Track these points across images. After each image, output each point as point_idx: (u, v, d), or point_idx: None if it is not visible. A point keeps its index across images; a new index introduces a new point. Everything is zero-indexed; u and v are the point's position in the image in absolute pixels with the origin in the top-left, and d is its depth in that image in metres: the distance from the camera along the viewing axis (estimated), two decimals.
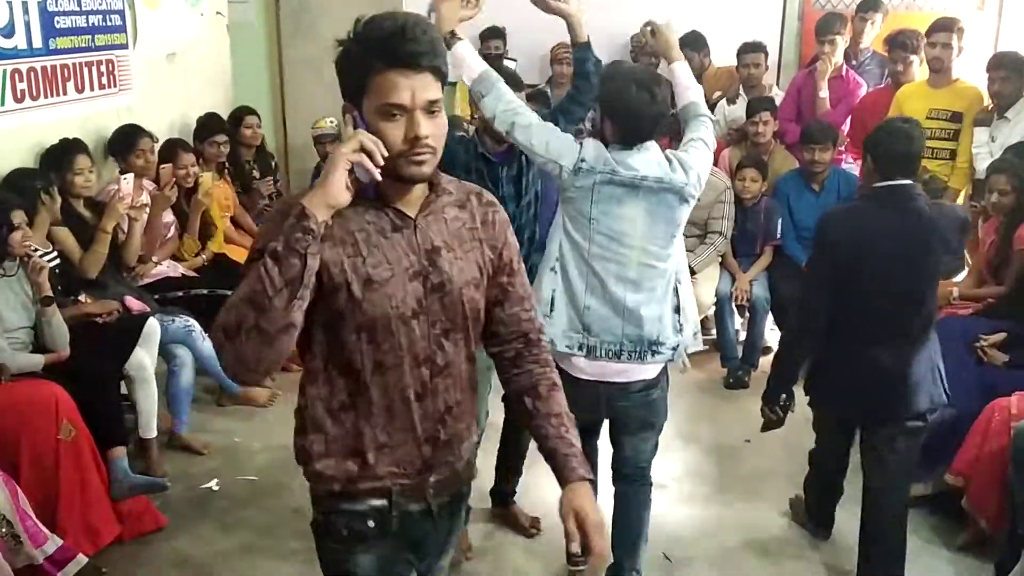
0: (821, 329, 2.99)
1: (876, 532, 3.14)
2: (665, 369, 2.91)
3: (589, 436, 2.93)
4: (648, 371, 2.82)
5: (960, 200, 4.79)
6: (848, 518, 3.62)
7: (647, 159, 2.70)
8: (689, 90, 3.00)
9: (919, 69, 5.04)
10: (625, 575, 3.00)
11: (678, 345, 2.81)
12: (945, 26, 4.72)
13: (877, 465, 3.10)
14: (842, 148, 5.29)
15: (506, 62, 5.39)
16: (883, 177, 2.97)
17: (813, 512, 3.54)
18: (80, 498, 3.20)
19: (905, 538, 3.13)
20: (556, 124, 2.90)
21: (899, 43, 5.03)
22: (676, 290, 2.81)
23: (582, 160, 2.68)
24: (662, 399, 2.91)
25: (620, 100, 2.68)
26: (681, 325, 2.81)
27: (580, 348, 2.76)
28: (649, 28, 3.18)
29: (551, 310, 2.75)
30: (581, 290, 2.74)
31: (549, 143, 2.72)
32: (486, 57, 5.79)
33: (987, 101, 4.62)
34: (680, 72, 3.01)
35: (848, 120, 5.28)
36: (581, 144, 2.73)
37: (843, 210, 3.33)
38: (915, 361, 2.98)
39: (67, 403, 3.21)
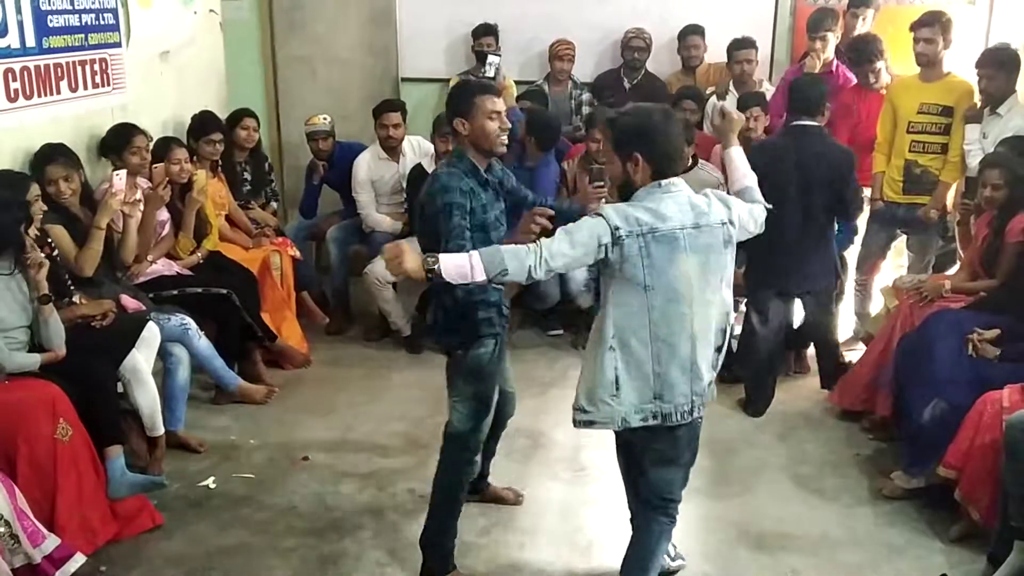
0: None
1: (821, 341, 4.62)
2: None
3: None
4: None
5: (952, 195, 4.81)
6: (840, 517, 3.65)
7: (679, 203, 2.62)
8: (746, 176, 3.03)
9: (887, 71, 5.14)
10: None
11: (712, 381, 2.76)
12: (928, 21, 4.71)
13: (810, 307, 4.57)
14: None
15: (490, 57, 5.44)
16: (794, 118, 4.24)
17: (753, 395, 4.52)
18: (77, 498, 3.21)
19: (835, 331, 4.74)
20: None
21: (856, 58, 5.13)
22: (724, 331, 2.74)
23: (616, 228, 2.56)
24: (687, 436, 2.80)
25: (656, 132, 2.63)
26: (718, 362, 2.76)
27: (655, 418, 2.67)
28: (720, 110, 3.26)
29: (617, 389, 2.64)
30: (647, 359, 2.63)
31: (582, 250, 2.56)
32: (478, 55, 5.85)
33: (978, 96, 4.64)
34: (736, 157, 3.07)
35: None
36: (602, 216, 2.59)
37: (766, 141, 4.48)
38: (817, 254, 4.34)
39: (64, 403, 3.22)
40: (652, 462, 2.81)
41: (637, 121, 2.67)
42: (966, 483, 3.34)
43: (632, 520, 2.96)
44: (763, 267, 4.36)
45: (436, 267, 2.51)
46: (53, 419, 3.17)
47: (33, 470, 3.13)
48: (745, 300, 4.58)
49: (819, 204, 4.23)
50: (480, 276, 2.51)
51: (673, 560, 3.25)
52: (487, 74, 5.52)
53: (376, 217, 5.44)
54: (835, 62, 5.34)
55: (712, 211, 2.64)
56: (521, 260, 2.52)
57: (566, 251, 2.54)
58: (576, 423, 2.73)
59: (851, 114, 5.10)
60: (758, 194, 2.99)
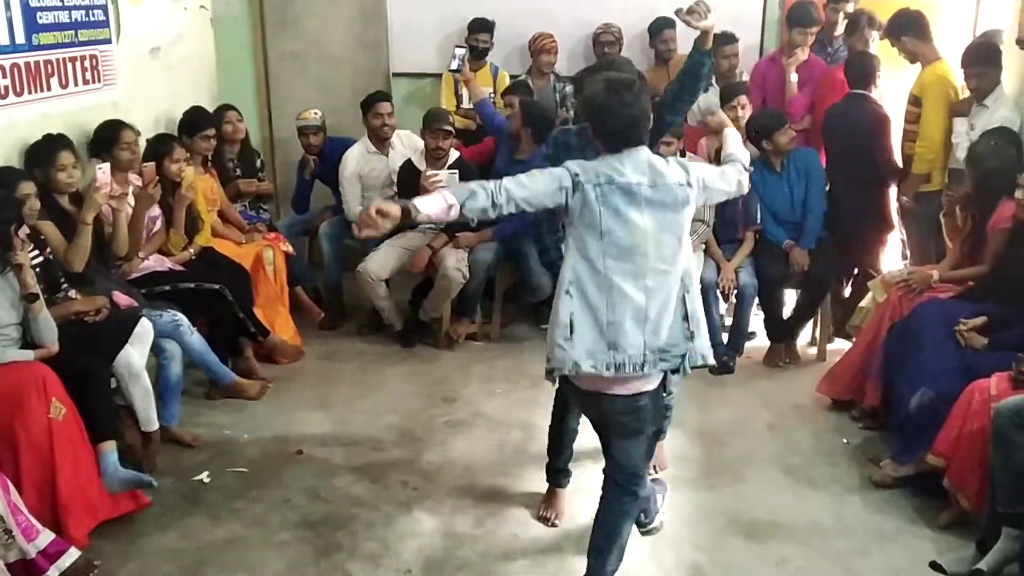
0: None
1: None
2: (666, 376, 2.91)
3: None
4: (650, 384, 2.84)
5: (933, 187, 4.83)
6: (830, 505, 3.68)
7: (636, 163, 2.73)
8: (734, 150, 3.13)
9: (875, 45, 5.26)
10: None
11: (686, 353, 2.81)
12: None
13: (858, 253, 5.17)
14: (807, 127, 5.39)
15: (456, 49, 5.53)
16: (852, 87, 4.98)
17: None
18: (75, 475, 3.24)
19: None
20: (661, 117, 3.15)
21: (850, 28, 5.37)
22: (684, 298, 2.81)
23: (575, 175, 2.70)
24: (650, 406, 2.88)
25: (596, 104, 2.75)
26: (692, 332, 2.82)
27: (607, 368, 2.75)
28: (707, 111, 3.50)
29: (571, 333, 2.75)
30: (602, 307, 2.73)
31: (542, 186, 2.71)
32: (472, 50, 5.85)
33: (955, 83, 4.69)
34: (729, 135, 3.23)
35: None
36: (563, 166, 2.74)
37: (832, 107, 5.13)
38: (872, 201, 5.06)
39: (54, 382, 3.24)
40: (618, 435, 2.91)
41: (586, 97, 2.83)
42: (955, 471, 3.37)
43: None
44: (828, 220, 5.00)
45: (413, 211, 2.62)
46: (45, 399, 3.19)
47: (32, 452, 3.16)
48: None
49: (859, 163, 4.90)
50: (453, 201, 2.64)
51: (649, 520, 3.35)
52: (451, 67, 5.58)
53: (357, 210, 5.45)
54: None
55: (669, 172, 2.76)
56: (485, 188, 2.67)
57: (525, 182, 2.70)
58: (545, 374, 2.88)
59: (841, 91, 5.18)
60: (741, 158, 3.09)
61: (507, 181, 2.68)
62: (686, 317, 2.81)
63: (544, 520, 3.51)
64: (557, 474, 3.58)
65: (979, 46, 4.65)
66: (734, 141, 3.21)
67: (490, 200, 2.66)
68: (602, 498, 3.00)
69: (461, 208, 2.64)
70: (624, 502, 2.97)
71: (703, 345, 2.86)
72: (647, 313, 2.74)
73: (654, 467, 3.48)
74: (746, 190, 3.06)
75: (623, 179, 2.70)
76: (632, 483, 2.96)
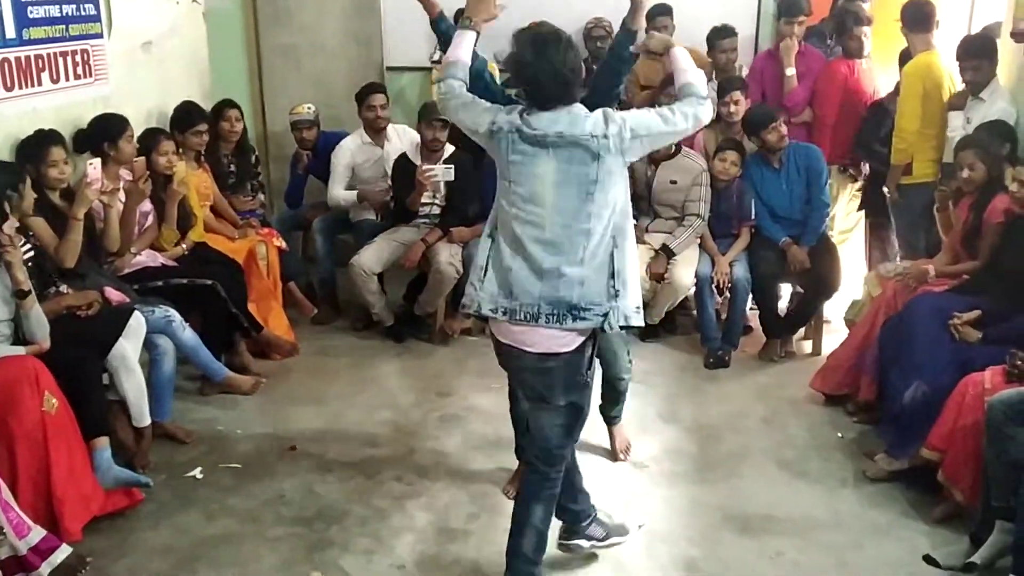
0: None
1: None
2: (586, 345, 2.81)
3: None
4: (566, 344, 2.75)
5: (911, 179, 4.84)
6: (824, 499, 3.68)
7: (556, 116, 2.70)
8: (686, 72, 2.92)
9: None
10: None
11: (608, 312, 2.73)
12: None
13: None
14: (807, 120, 5.38)
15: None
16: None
17: None
18: (69, 468, 3.24)
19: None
20: (590, 102, 2.99)
21: (839, 29, 5.37)
22: (612, 255, 2.74)
23: (493, 123, 2.77)
24: (562, 372, 2.79)
25: (523, 64, 2.71)
26: (617, 291, 2.74)
27: (504, 313, 2.75)
28: (649, 35, 3.25)
29: (484, 275, 2.80)
30: (508, 253, 2.76)
31: (471, 115, 2.84)
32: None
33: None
34: (678, 56, 2.98)
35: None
36: (499, 110, 2.80)
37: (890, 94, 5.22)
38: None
39: (46, 375, 3.23)
40: (528, 398, 2.93)
41: (513, 57, 2.78)
42: (949, 464, 3.37)
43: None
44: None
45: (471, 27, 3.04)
46: (38, 392, 3.18)
47: (27, 447, 3.15)
48: None
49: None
50: (451, 56, 2.96)
51: (600, 538, 3.24)
52: (433, 58, 5.60)
53: (335, 193, 5.45)
54: (801, 42, 5.44)
55: (585, 124, 2.69)
56: (442, 86, 2.91)
57: (459, 113, 2.87)
58: (461, 308, 3.00)
59: (843, 83, 5.18)
60: (696, 88, 2.87)
61: (449, 107, 2.89)
62: (613, 275, 2.74)
63: (507, 494, 3.58)
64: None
65: (974, 39, 4.64)
66: (685, 63, 2.93)
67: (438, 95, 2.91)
68: (523, 480, 3.05)
69: (447, 63, 2.94)
70: (532, 480, 2.94)
71: (627, 305, 2.76)
72: (543, 265, 2.71)
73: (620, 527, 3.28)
74: (707, 120, 2.89)
75: (531, 130, 2.70)
76: (541, 460, 2.90)
